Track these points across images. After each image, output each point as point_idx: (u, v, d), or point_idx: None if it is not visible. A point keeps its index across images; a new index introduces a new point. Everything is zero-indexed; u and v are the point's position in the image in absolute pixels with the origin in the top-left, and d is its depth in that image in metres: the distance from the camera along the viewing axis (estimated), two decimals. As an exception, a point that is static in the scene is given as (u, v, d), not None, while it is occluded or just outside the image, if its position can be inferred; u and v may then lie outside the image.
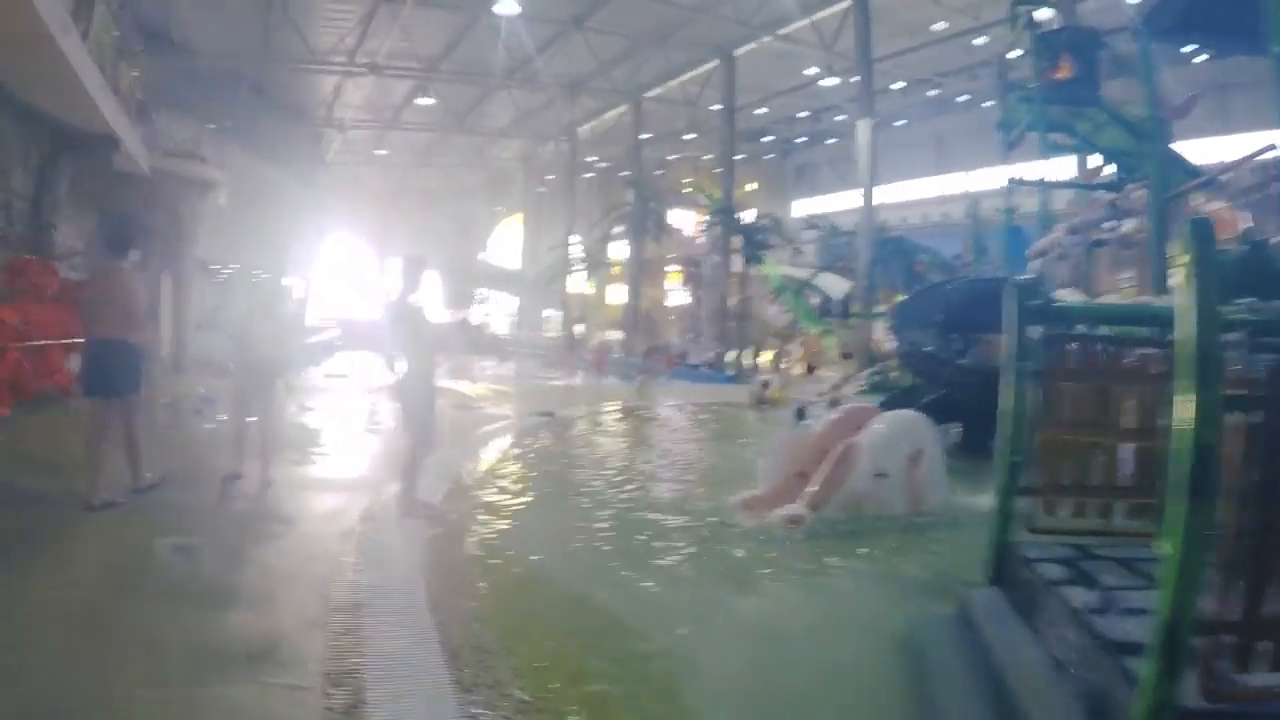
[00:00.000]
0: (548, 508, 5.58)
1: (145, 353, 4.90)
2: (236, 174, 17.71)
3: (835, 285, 21.77)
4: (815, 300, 22.86)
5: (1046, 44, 9.83)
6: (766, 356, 21.56)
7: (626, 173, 30.31)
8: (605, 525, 4.93)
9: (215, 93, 19.38)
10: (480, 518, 5.01)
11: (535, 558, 4.21)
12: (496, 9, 16.63)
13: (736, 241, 22.72)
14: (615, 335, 27.51)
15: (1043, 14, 11.99)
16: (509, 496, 5.77)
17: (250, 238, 22.73)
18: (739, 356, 17.04)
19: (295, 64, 20.71)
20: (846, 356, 16.91)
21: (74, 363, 9.08)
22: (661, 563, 4.18)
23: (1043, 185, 9.86)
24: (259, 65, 20.89)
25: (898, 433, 5.14)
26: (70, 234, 11.29)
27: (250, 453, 5.20)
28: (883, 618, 3.34)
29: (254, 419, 5.30)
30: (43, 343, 7.75)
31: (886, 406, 6.72)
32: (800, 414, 9.02)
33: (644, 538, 4.62)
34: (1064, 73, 9.38)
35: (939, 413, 6.37)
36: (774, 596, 3.85)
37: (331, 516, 4.69)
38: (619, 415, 11.41)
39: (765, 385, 13.03)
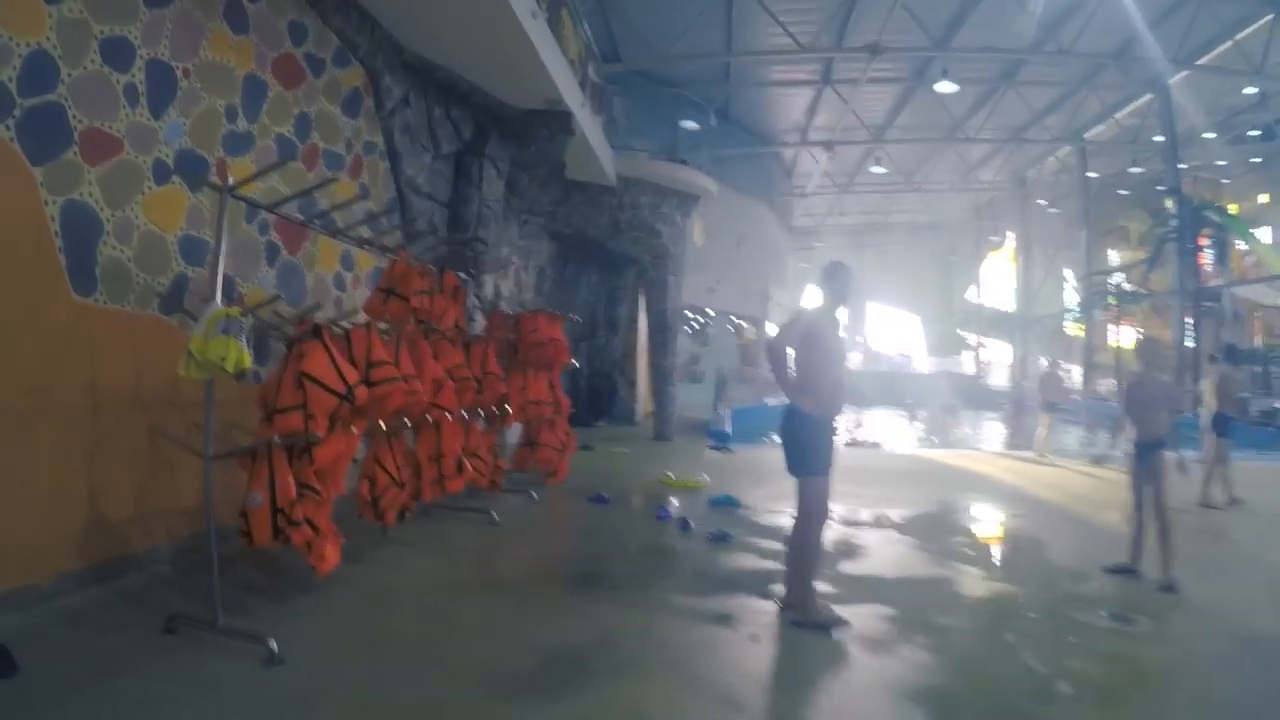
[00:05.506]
0: None
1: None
2: (711, 208, 15.28)
3: None
4: None
5: None
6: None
7: (1125, 191, 26.49)
8: None
9: (678, 117, 17.71)
10: None
11: None
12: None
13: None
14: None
15: None
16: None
17: (729, 280, 20.58)
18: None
19: (766, 52, 16.82)
20: None
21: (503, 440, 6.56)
22: None
23: None
24: (721, 86, 18.73)
25: None
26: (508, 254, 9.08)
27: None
28: None
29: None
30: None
31: None
32: None
33: None
34: None
35: None
36: None
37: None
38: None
39: None
